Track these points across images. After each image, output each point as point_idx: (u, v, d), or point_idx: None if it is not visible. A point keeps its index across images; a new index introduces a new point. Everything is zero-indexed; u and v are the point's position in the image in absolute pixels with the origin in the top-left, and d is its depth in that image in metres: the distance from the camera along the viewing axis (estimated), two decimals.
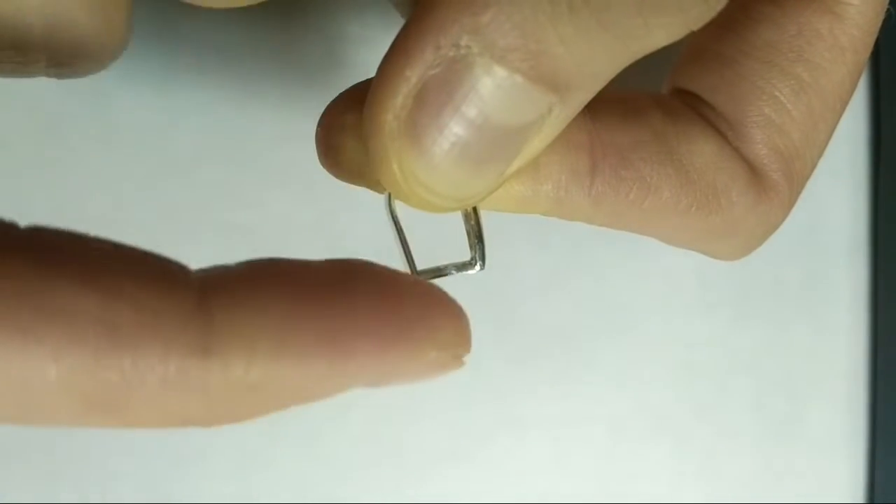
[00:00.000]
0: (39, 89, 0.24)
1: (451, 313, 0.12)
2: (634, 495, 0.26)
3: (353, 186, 0.25)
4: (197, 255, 0.25)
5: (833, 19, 0.17)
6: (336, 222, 0.25)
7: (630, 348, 0.26)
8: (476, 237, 0.15)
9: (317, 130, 0.15)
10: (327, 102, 0.15)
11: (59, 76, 0.14)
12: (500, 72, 0.12)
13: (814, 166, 0.18)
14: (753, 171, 0.17)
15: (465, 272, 0.16)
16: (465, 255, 0.16)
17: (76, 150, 0.24)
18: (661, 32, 0.13)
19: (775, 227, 0.18)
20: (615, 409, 0.26)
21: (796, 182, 0.18)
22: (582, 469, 0.26)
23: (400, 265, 0.16)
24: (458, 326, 0.12)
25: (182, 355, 0.11)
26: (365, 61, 0.25)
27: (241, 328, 0.11)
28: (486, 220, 0.17)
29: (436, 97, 0.13)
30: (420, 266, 0.16)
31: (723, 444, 0.26)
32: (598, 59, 0.13)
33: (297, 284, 0.12)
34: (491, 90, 0.12)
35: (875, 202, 0.26)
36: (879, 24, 0.17)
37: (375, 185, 0.15)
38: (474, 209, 0.15)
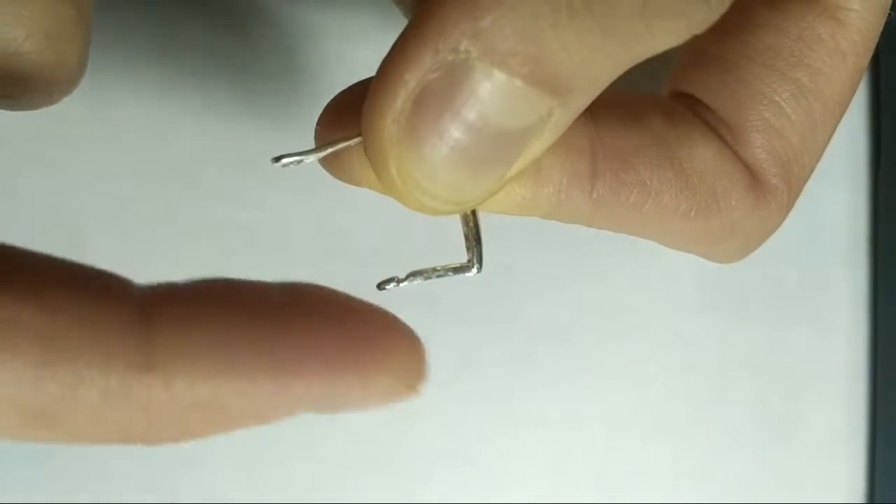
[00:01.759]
0: None
1: (405, 341, 0.12)
2: (634, 495, 0.26)
3: (352, 187, 0.25)
4: (197, 255, 0.25)
5: (834, 24, 0.17)
6: (336, 222, 0.25)
7: (630, 348, 0.26)
8: (474, 240, 0.15)
9: (315, 129, 0.15)
10: (328, 102, 0.15)
11: (7, 108, 0.14)
12: (499, 76, 0.12)
13: (812, 170, 0.18)
14: (752, 175, 0.17)
15: (461, 275, 0.15)
16: (462, 256, 0.16)
17: (76, 150, 0.24)
18: (663, 37, 0.13)
19: (773, 230, 0.18)
20: (615, 409, 0.26)
21: (794, 186, 0.18)
22: (582, 469, 0.26)
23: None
24: (413, 355, 0.12)
25: (123, 369, 0.11)
26: (366, 60, 0.25)
27: (184, 343, 0.11)
28: (486, 219, 0.17)
29: (435, 101, 0.12)
30: (416, 267, 0.15)
31: (722, 444, 0.26)
32: (600, 63, 0.13)
33: (245, 304, 0.12)
34: (490, 94, 0.12)
35: (875, 202, 0.26)
36: (880, 29, 0.17)
37: (374, 185, 0.15)
38: (473, 211, 0.15)
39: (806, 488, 0.26)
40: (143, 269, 0.26)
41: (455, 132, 0.13)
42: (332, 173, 0.15)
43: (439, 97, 0.12)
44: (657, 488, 0.26)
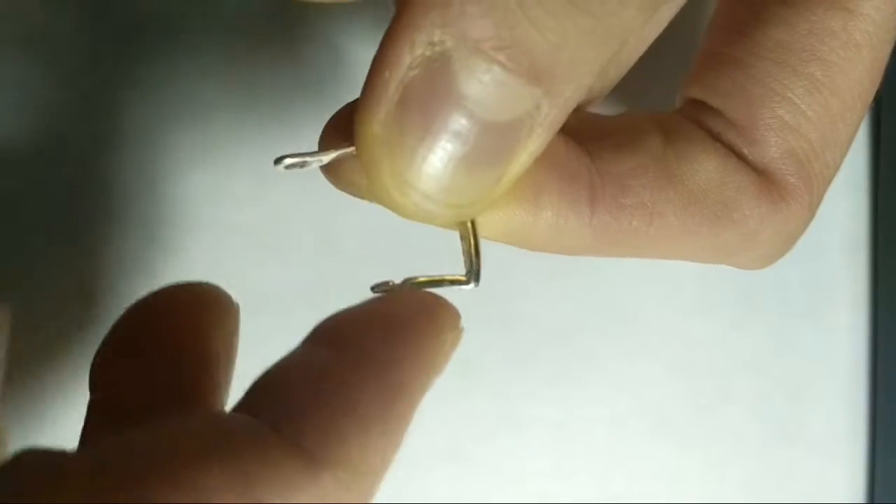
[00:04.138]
0: (40, 89, 0.24)
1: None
2: (634, 495, 0.26)
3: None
4: (197, 255, 0.25)
5: (846, 16, 0.16)
6: (336, 222, 0.24)
7: (630, 348, 0.26)
8: (473, 254, 0.15)
9: (320, 138, 0.15)
10: (328, 102, 0.15)
11: None
12: (478, 65, 0.12)
13: (837, 167, 0.17)
14: (767, 179, 0.17)
15: (458, 287, 0.15)
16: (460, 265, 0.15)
17: (76, 149, 0.24)
18: (632, 7, 0.12)
19: (799, 231, 0.18)
20: (615, 409, 0.26)
21: (816, 184, 0.17)
22: (582, 469, 0.26)
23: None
24: None
25: None
26: (367, 61, 0.25)
27: None
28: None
29: (419, 99, 0.12)
30: (414, 269, 0.15)
31: (723, 444, 0.26)
32: (575, 42, 0.12)
33: None
34: (473, 86, 0.12)
35: (875, 202, 0.26)
36: None
37: (374, 196, 0.15)
38: (472, 224, 0.15)
39: (806, 488, 0.26)
40: (144, 269, 0.26)
41: (443, 129, 0.12)
42: (334, 184, 0.15)
43: (422, 95, 0.12)
44: (658, 488, 0.26)
